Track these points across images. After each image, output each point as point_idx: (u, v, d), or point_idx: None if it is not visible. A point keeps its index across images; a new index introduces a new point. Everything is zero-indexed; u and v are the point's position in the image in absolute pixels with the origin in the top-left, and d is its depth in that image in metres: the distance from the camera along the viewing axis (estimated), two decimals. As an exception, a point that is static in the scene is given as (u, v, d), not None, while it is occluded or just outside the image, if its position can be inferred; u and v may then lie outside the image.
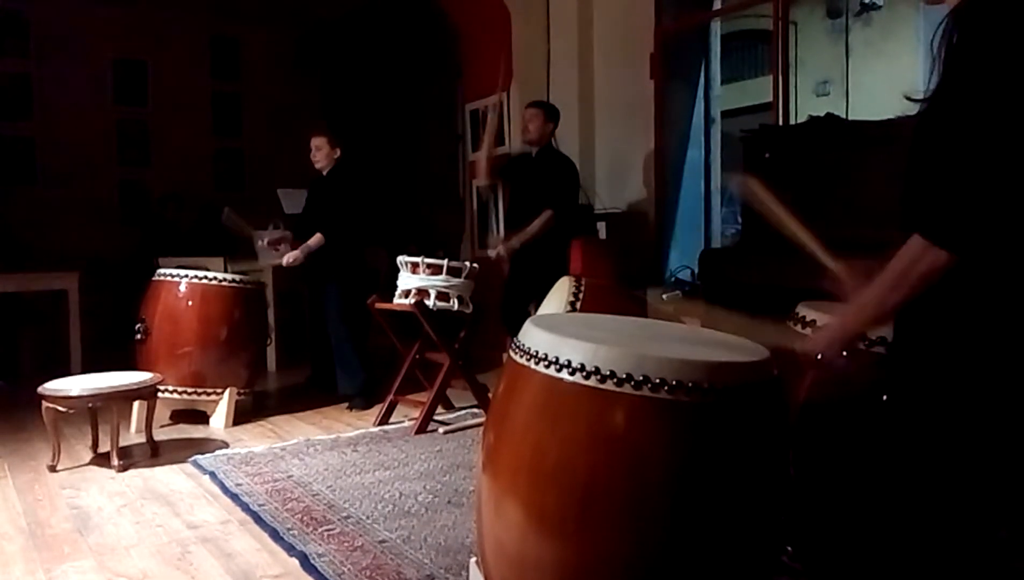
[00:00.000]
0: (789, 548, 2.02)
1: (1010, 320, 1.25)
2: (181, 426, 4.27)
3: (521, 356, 1.65)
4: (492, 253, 4.33)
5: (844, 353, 1.44)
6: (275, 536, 2.64)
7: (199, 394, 4.19)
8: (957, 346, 1.29)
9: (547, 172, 4.35)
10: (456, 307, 4.02)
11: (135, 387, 3.52)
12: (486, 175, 4.66)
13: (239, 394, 4.31)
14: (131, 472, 3.42)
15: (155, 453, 3.66)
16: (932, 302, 1.29)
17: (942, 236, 1.23)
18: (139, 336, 4.16)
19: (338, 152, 4.70)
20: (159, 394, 3.76)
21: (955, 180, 1.21)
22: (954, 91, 1.24)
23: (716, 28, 5.39)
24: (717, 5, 5.34)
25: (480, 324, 4.24)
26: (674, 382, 1.46)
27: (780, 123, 4.47)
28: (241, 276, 4.40)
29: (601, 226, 5.20)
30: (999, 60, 1.19)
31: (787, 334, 1.70)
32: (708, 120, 5.33)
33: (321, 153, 4.68)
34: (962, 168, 1.20)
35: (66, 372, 4.26)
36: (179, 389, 4.14)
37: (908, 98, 1.34)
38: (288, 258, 4.63)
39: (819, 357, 1.47)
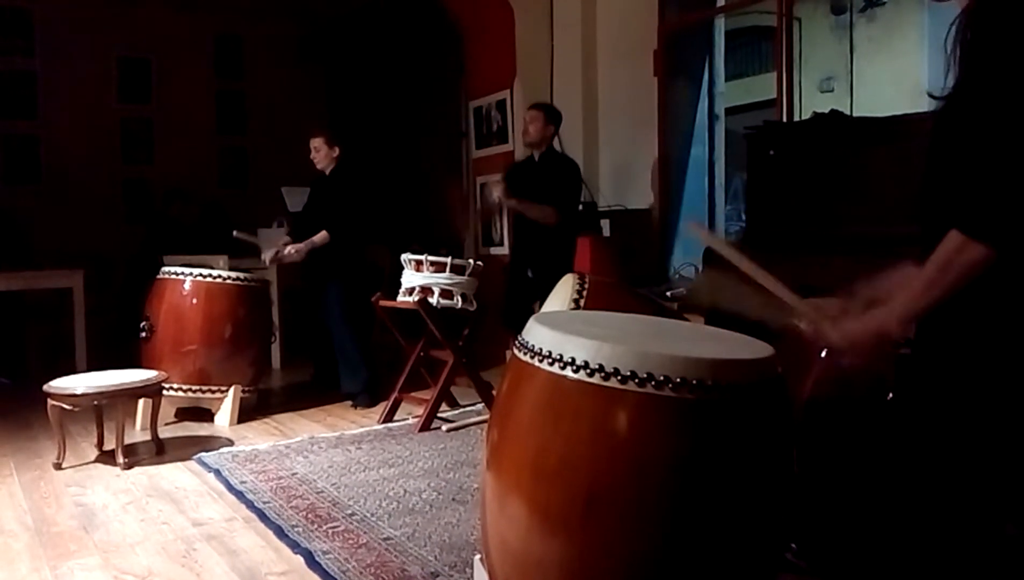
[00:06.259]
0: (793, 545, 2.02)
1: None
2: (186, 424, 4.28)
3: (525, 354, 1.65)
4: (494, 193, 4.38)
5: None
6: (280, 533, 2.64)
7: (204, 392, 4.20)
8: (977, 343, 1.29)
9: (550, 175, 4.35)
10: (460, 305, 4.02)
11: (140, 385, 3.53)
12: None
13: (244, 392, 4.31)
14: (136, 470, 3.43)
15: (160, 451, 3.67)
16: (952, 301, 1.28)
17: (981, 230, 1.22)
18: (144, 334, 4.17)
19: (337, 150, 4.69)
20: (164, 392, 3.77)
21: (992, 174, 1.21)
22: (979, 87, 1.23)
23: (720, 25, 5.37)
24: (721, 2, 5.32)
25: (484, 321, 4.24)
26: (678, 379, 1.46)
27: (784, 120, 4.46)
28: (245, 274, 4.40)
29: (605, 223, 5.19)
30: (1020, 54, 1.18)
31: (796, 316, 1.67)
32: (712, 117, 5.32)
33: (320, 154, 4.68)
34: (997, 162, 1.20)
35: (71, 370, 4.28)
36: (184, 387, 4.15)
37: (931, 95, 1.33)
38: (291, 250, 4.64)
39: (823, 354, 1.46)
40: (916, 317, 1.34)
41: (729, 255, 1.73)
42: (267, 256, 4.76)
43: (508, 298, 4.47)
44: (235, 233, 4.90)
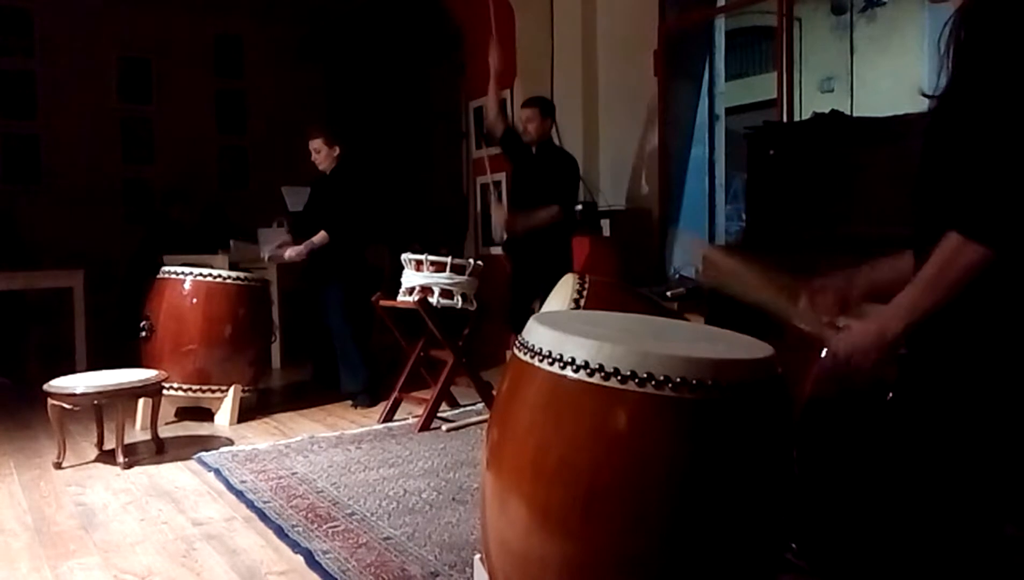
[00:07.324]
0: (793, 545, 2.02)
1: None
2: (186, 423, 4.28)
3: (525, 353, 1.65)
4: (495, 219, 4.43)
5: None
6: (280, 533, 2.64)
7: (204, 391, 4.20)
8: (976, 343, 1.29)
9: (548, 168, 4.35)
10: (460, 304, 4.02)
11: (140, 384, 3.54)
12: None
13: (244, 391, 4.32)
14: (136, 469, 3.43)
15: (160, 450, 3.67)
16: (952, 301, 1.28)
17: (979, 231, 1.21)
18: (144, 334, 4.17)
19: (337, 150, 4.68)
20: (164, 391, 3.77)
21: (988, 175, 1.20)
22: (972, 88, 1.23)
23: (720, 24, 5.38)
24: (721, 2, 5.32)
25: (484, 321, 4.24)
26: (678, 379, 1.46)
27: (784, 120, 4.46)
28: (245, 273, 4.41)
29: (605, 223, 5.20)
30: (1014, 54, 1.18)
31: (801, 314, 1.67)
32: (712, 117, 5.32)
33: (321, 155, 4.67)
34: (993, 163, 1.20)
35: (71, 369, 4.28)
36: (184, 386, 4.15)
37: (924, 95, 1.33)
38: (291, 252, 4.64)
39: (823, 354, 1.46)
40: (917, 320, 1.33)
41: (728, 267, 1.73)
42: (266, 252, 4.76)
43: (509, 298, 4.47)
44: (232, 242, 4.92)
